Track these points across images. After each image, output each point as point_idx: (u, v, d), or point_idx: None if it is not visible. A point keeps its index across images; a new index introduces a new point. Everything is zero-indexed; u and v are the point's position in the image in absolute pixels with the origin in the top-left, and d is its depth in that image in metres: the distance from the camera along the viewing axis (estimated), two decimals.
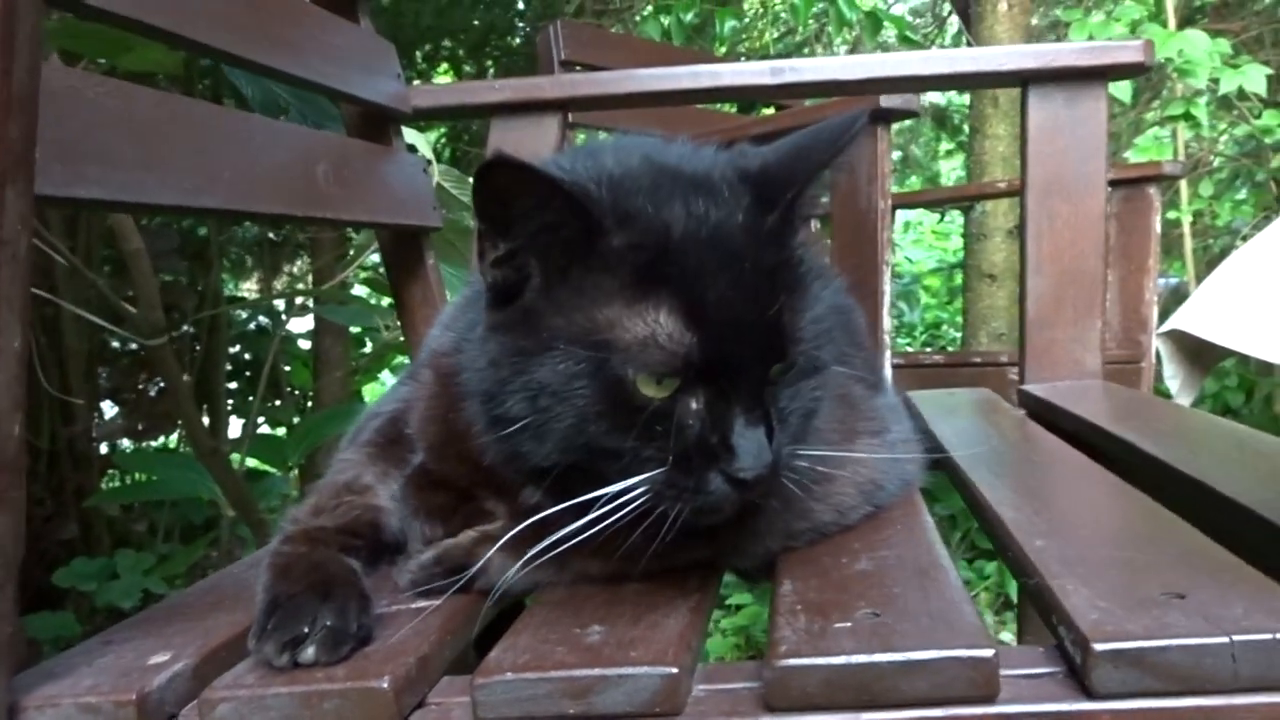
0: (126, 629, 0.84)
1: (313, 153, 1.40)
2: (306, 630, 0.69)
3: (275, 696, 0.66)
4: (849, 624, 0.66)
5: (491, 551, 0.79)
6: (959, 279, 5.11)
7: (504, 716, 0.64)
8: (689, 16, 3.42)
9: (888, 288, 2.10)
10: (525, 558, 0.76)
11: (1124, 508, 0.91)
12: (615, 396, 0.70)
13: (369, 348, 3.65)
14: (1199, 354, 3.21)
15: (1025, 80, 1.71)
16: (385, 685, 0.65)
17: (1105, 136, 1.72)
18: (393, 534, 0.90)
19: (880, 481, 0.92)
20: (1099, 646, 0.59)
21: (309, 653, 0.69)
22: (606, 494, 0.71)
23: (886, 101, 1.98)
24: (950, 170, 6.90)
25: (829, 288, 0.83)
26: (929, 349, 5.60)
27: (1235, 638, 0.58)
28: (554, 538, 0.73)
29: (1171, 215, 3.97)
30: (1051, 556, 0.74)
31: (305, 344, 3.67)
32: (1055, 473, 1.10)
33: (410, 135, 1.84)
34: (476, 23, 3.93)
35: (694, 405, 0.71)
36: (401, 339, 2.31)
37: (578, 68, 2.62)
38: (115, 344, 3.35)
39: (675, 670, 0.63)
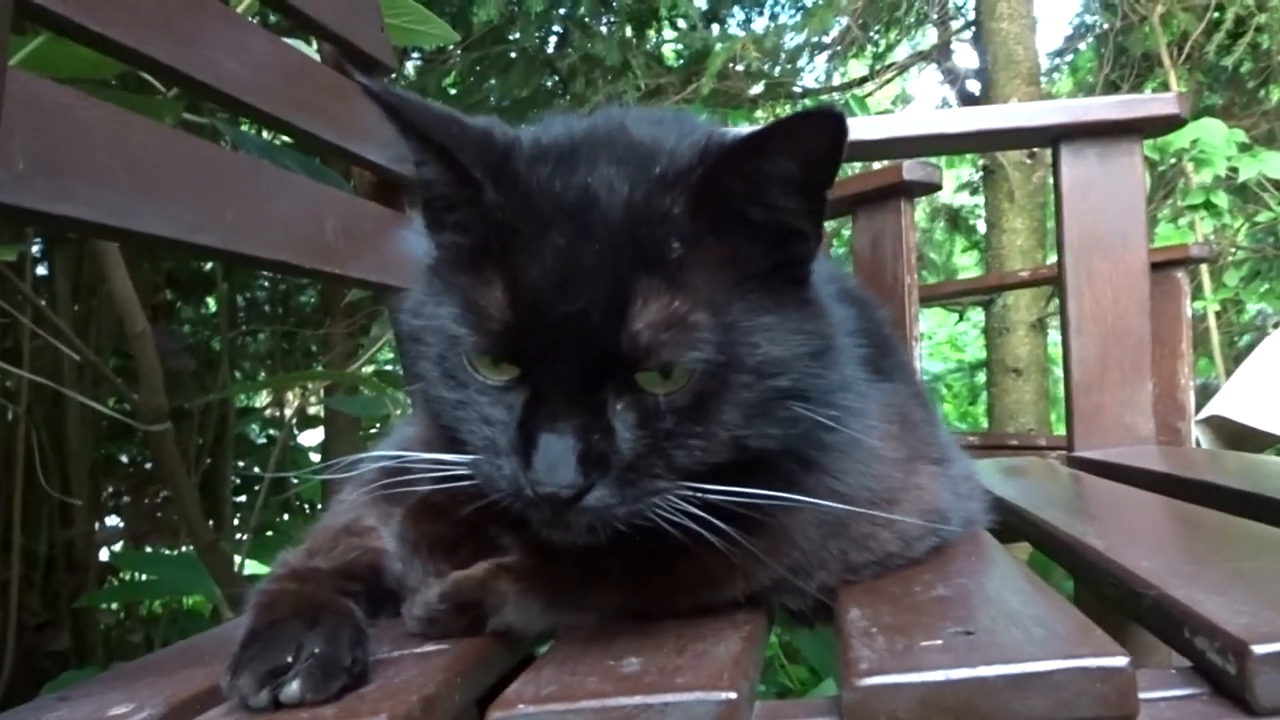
0: (87, 686, 0.73)
1: (321, 207, 1.34)
2: (290, 660, 0.58)
3: None
4: (938, 641, 0.55)
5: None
6: (981, 379, 5.02)
7: None
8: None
9: (919, 365, 2.02)
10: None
11: (1217, 529, 0.81)
12: (460, 369, 0.65)
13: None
14: (1240, 440, 3.09)
15: (1056, 137, 1.67)
16: None
17: (1143, 192, 1.66)
18: (396, 579, 0.79)
19: (945, 512, 0.81)
20: (1259, 649, 0.48)
21: (293, 688, 0.57)
22: (438, 459, 0.67)
23: (909, 174, 1.94)
24: (966, 271, 6.89)
25: (821, 306, 0.69)
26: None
27: None
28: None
29: (1196, 305, 3.90)
30: (1165, 572, 0.63)
31: (316, 457, 3.58)
32: (1132, 509, 0.99)
33: None
34: (506, 103, 4.00)
35: (519, 398, 0.62)
36: None
37: None
38: (123, 458, 3.27)
39: (734, 695, 0.52)
